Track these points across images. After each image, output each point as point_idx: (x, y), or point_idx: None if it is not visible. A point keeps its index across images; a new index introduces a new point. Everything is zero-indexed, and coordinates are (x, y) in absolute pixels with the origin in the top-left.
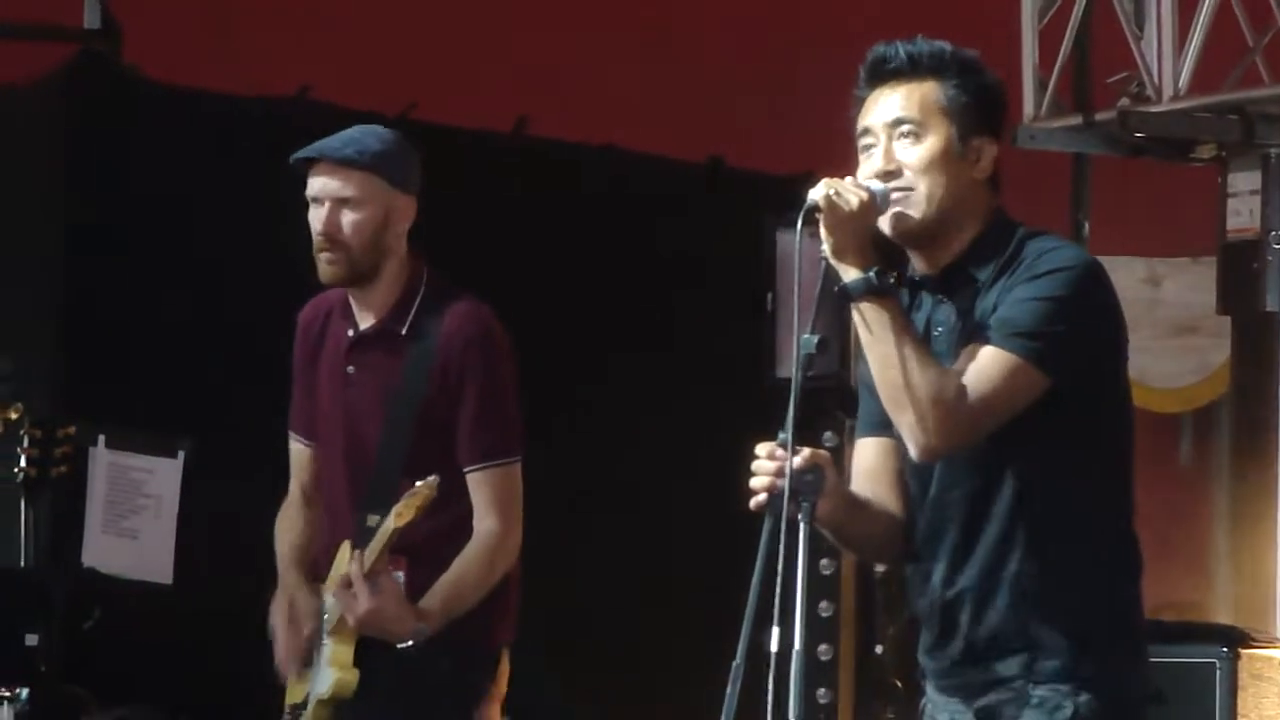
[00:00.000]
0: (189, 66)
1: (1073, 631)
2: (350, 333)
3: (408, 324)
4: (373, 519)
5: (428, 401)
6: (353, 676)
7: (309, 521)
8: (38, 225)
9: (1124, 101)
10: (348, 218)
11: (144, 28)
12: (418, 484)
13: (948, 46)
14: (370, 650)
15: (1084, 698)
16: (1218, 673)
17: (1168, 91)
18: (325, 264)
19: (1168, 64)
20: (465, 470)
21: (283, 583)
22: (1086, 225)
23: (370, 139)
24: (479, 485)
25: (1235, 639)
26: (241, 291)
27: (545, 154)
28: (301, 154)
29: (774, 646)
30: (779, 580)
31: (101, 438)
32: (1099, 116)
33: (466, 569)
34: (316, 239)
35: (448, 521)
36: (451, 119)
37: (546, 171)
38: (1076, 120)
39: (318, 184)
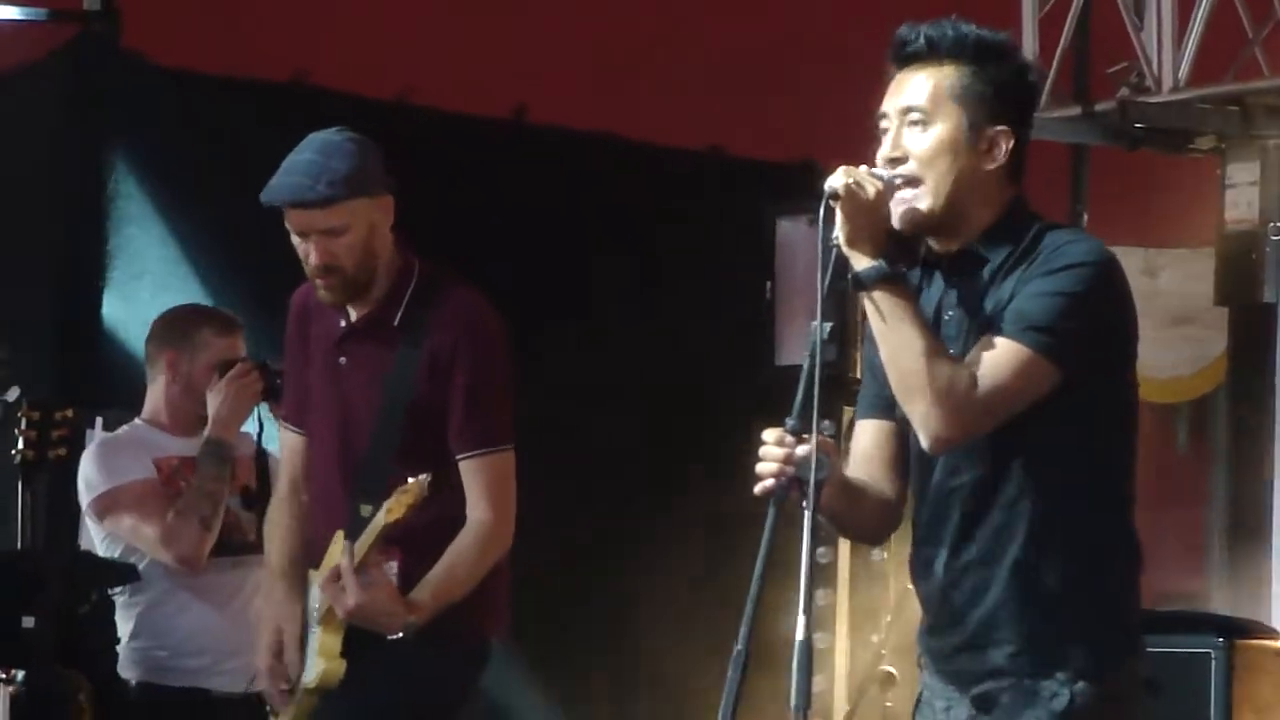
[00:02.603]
0: (188, 49)
1: (1070, 622)
2: (342, 324)
3: (399, 315)
4: (365, 509)
5: (420, 391)
6: (339, 666)
7: (297, 517)
8: (36, 206)
9: (1123, 92)
10: (339, 245)
11: (143, 10)
12: (409, 480)
13: (972, 31)
14: (359, 640)
15: (1080, 686)
16: (1213, 663)
17: (1167, 82)
18: (324, 290)
19: (1167, 55)
20: (457, 458)
21: (270, 594)
22: (1085, 215)
23: (336, 161)
24: (471, 473)
25: (1231, 629)
26: (238, 274)
27: (544, 141)
28: (274, 200)
29: (800, 634)
30: (804, 567)
31: (99, 420)
32: (1098, 107)
33: (458, 559)
34: (311, 269)
35: (441, 511)
36: (449, 104)
37: (545, 158)
38: (1076, 111)
39: (299, 221)
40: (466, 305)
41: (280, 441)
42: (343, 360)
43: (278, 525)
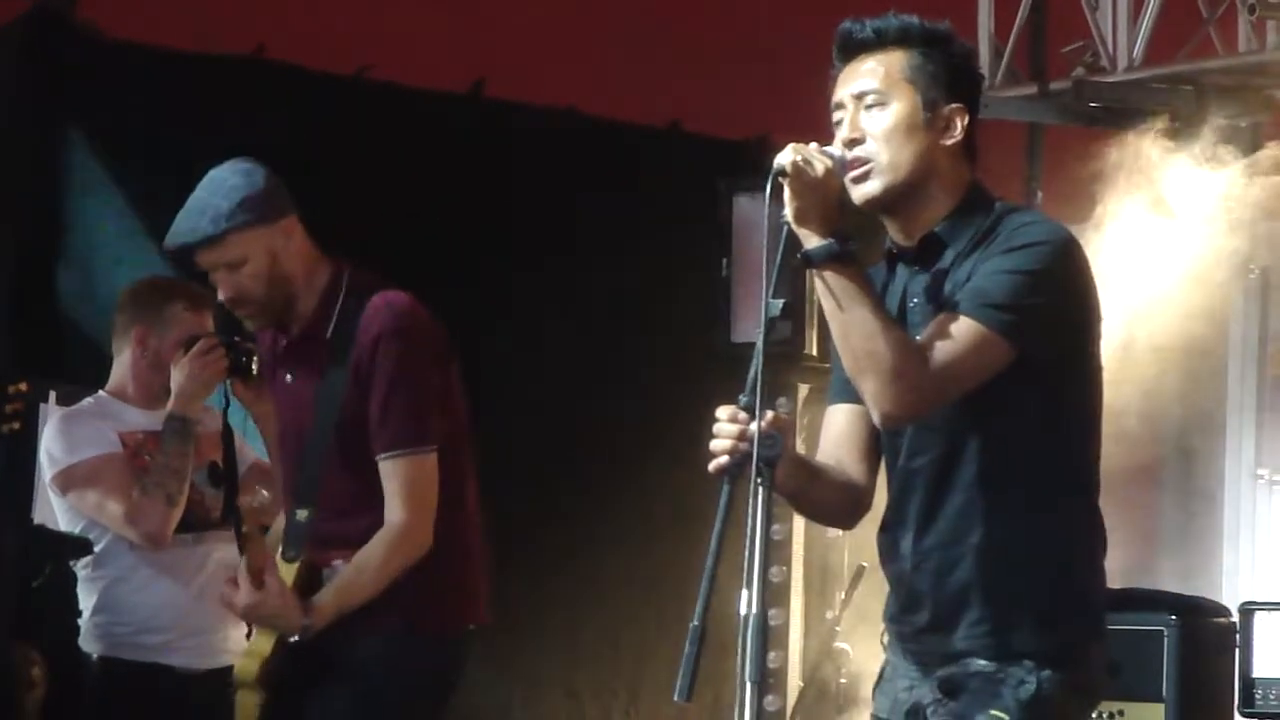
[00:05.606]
0: (144, 23)
1: (1035, 604)
2: (283, 341)
3: (331, 327)
4: (300, 514)
5: (346, 400)
6: (251, 664)
7: None
8: None
9: (1079, 71)
10: (242, 277)
11: None
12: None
13: (915, 20)
14: (312, 647)
15: (1046, 673)
16: (1166, 640)
17: (1122, 62)
18: (246, 319)
19: (1122, 34)
20: (376, 459)
21: None
22: (1039, 194)
23: (219, 197)
24: (387, 475)
25: (1183, 607)
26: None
27: (503, 116)
28: (169, 246)
29: (743, 609)
30: (748, 543)
31: (53, 394)
32: (1054, 86)
33: (363, 563)
34: (225, 303)
35: (379, 516)
36: (408, 80)
37: (504, 134)
38: (1031, 89)
39: (200, 260)
40: (387, 310)
41: None
42: (288, 377)
43: None
